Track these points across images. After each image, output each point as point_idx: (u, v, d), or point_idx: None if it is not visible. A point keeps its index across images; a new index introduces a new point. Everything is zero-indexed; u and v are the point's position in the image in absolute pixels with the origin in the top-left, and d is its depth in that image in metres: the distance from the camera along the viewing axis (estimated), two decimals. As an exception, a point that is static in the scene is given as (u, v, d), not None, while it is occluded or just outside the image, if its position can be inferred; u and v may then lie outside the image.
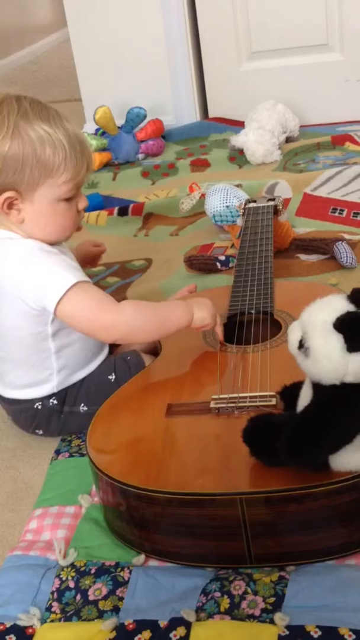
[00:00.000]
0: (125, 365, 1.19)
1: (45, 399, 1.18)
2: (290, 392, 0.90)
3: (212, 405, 0.99)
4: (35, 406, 1.18)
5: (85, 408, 1.18)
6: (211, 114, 2.59)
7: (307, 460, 0.83)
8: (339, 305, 0.80)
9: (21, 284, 1.08)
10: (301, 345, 0.82)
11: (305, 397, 0.85)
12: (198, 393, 1.04)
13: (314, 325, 0.80)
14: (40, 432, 1.21)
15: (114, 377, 1.19)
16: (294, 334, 0.83)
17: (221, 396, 0.99)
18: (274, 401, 0.96)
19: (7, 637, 0.87)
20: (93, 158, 1.12)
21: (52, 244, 1.13)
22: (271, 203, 1.59)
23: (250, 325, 1.18)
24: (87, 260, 1.38)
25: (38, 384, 1.17)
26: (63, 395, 1.18)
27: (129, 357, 1.20)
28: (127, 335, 1.12)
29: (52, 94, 3.50)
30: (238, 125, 2.42)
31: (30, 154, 1.04)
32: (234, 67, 2.50)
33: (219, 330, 1.14)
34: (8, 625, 0.88)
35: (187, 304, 1.13)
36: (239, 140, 2.24)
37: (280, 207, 1.60)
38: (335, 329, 0.79)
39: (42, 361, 1.15)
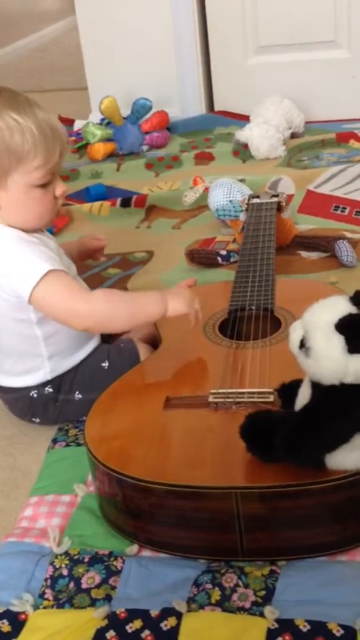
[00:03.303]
0: (119, 353, 1.20)
1: (40, 387, 1.19)
2: (288, 390, 0.91)
3: (211, 399, 0.99)
4: (30, 394, 1.19)
5: (80, 396, 1.19)
6: (217, 107, 2.59)
7: (303, 458, 0.84)
8: (341, 306, 0.81)
9: None
10: (302, 344, 0.83)
11: (304, 396, 0.86)
12: (197, 387, 1.05)
13: (316, 325, 0.81)
14: (37, 420, 1.21)
15: (107, 364, 1.19)
16: (295, 333, 0.84)
17: (220, 391, 1.00)
18: (271, 398, 0.97)
19: (0, 622, 0.88)
20: (65, 144, 1.10)
21: (31, 231, 1.12)
22: (275, 199, 1.59)
23: (250, 321, 1.18)
24: (88, 254, 1.39)
25: (31, 371, 1.18)
26: (58, 383, 1.19)
27: (122, 345, 1.21)
28: (99, 324, 1.13)
29: (58, 82, 3.49)
30: (243, 119, 2.42)
31: None
32: (241, 61, 2.50)
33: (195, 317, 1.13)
34: (1, 611, 0.88)
35: (162, 295, 1.13)
36: (243, 134, 2.24)
37: (284, 204, 1.60)
38: (337, 330, 0.80)
39: (31, 348, 1.16)
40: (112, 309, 1.11)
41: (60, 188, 1.11)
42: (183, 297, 1.13)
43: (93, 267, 1.69)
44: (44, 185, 1.09)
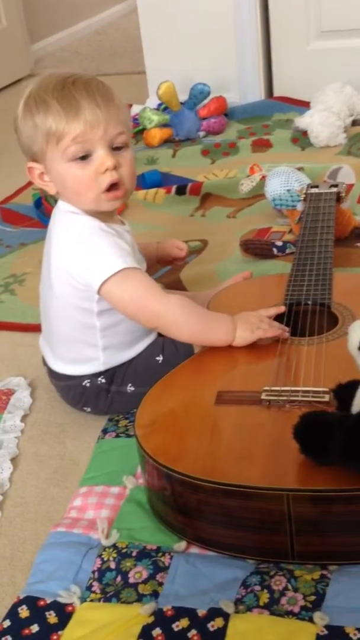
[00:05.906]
0: (173, 347, 1.19)
1: (93, 377, 1.19)
2: (344, 390, 0.88)
3: (264, 396, 0.97)
4: (83, 384, 1.19)
5: (132, 388, 1.18)
6: (276, 93, 2.54)
7: None
8: None
9: (72, 257, 1.11)
10: (361, 346, 0.80)
11: (361, 399, 0.84)
12: (249, 383, 1.03)
13: (377, 327, 0.78)
14: (88, 409, 1.21)
15: (161, 358, 1.18)
16: (355, 333, 0.81)
17: (273, 388, 0.98)
18: (327, 398, 0.94)
19: (47, 612, 0.88)
20: (92, 115, 1.06)
21: (110, 222, 1.12)
22: (334, 190, 1.55)
23: (306, 316, 1.16)
24: (167, 261, 1.38)
25: (84, 361, 1.18)
26: (111, 374, 1.19)
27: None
28: (166, 327, 1.13)
29: (117, 66, 3.48)
30: (303, 105, 2.37)
31: (34, 126, 1.07)
32: (303, 46, 2.44)
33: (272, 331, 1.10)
34: (49, 601, 0.89)
35: (233, 323, 1.11)
36: (303, 121, 2.19)
37: (343, 195, 1.56)
38: None
39: (87, 337, 1.16)
40: (185, 318, 1.11)
41: (100, 161, 1.07)
42: (250, 323, 1.10)
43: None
44: (81, 160, 1.08)
